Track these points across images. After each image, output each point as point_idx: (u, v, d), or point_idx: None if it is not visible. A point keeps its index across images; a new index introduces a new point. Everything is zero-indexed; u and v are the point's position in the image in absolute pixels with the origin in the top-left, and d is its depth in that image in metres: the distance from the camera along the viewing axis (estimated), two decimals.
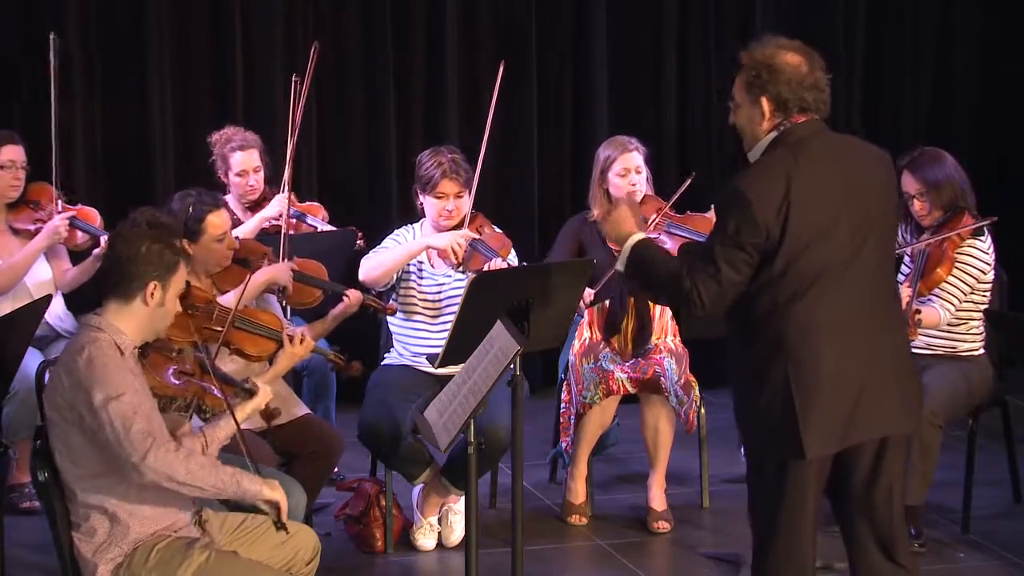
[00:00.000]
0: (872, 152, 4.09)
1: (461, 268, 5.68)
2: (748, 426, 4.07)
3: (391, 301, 5.77)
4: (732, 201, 3.91)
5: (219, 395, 4.30)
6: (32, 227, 6.14)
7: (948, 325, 5.68)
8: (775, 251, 3.88)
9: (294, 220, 6.36)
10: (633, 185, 5.97)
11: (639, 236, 4.14)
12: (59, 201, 6.12)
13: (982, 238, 5.69)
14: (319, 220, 6.51)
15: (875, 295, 3.99)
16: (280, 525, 4.22)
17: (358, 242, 6.37)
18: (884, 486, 4.04)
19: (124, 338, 4.12)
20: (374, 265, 5.69)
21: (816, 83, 3.97)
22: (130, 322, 4.13)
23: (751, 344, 4.00)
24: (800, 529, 4.01)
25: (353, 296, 5.49)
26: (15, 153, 6.10)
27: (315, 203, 6.70)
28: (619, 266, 4.18)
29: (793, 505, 3.99)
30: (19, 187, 6.14)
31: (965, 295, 5.65)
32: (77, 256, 6.26)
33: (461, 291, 5.20)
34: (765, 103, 3.97)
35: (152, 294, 4.12)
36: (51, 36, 6.28)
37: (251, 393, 4.50)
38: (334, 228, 6.51)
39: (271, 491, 4.19)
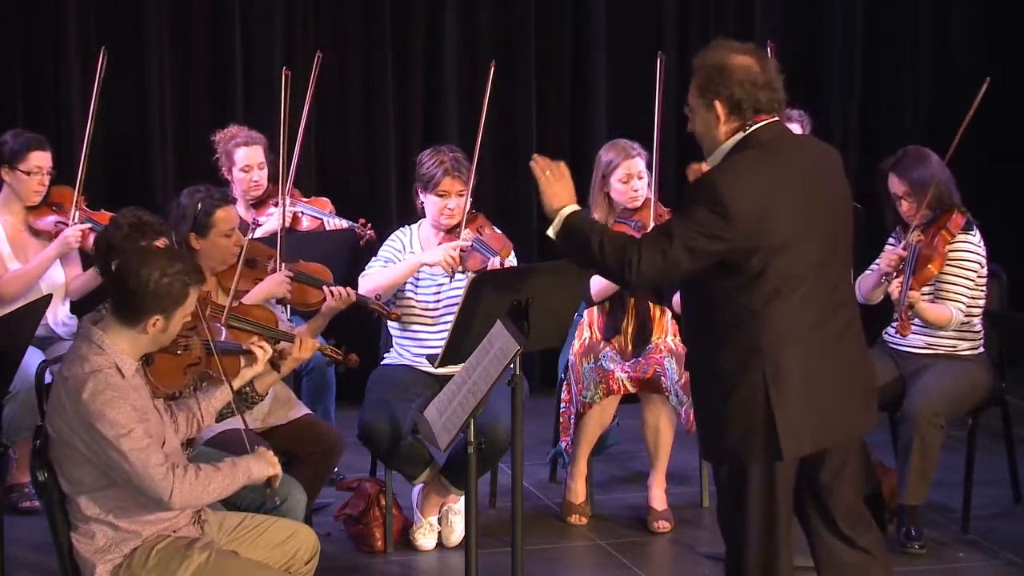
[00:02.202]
0: (830, 153, 4.14)
1: (460, 268, 5.68)
2: (718, 428, 4.04)
3: (392, 308, 5.75)
4: (707, 195, 3.89)
5: (222, 374, 4.38)
6: (52, 229, 6.14)
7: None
8: (751, 254, 3.89)
9: (300, 214, 6.37)
10: (635, 191, 5.96)
11: (574, 208, 4.08)
12: (77, 210, 6.11)
13: (972, 233, 5.70)
14: (325, 212, 6.52)
15: (841, 298, 4.03)
16: (272, 492, 4.29)
17: (367, 232, 6.39)
18: (847, 482, 4.11)
19: (125, 358, 4.10)
20: (372, 287, 5.66)
21: (769, 82, 3.97)
22: (131, 344, 4.11)
23: (724, 347, 3.99)
24: (773, 531, 4.02)
25: (337, 292, 5.46)
26: (42, 159, 6.11)
27: (322, 197, 6.70)
28: (550, 233, 4.10)
29: (767, 507, 4.01)
30: (42, 192, 6.15)
31: (971, 290, 5.66)
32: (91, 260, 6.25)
33: (459, 296, 5.20)
34: (719, 106, 3.98)
35: (154, 325, 4.09)
36: (102, 50, 6.29)
37: (252, 357, 4.53)
38: (341, 220, 6.50)
39: (272, 467, 4.26)
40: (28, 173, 6.09)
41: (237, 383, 4.48)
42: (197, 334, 4.39)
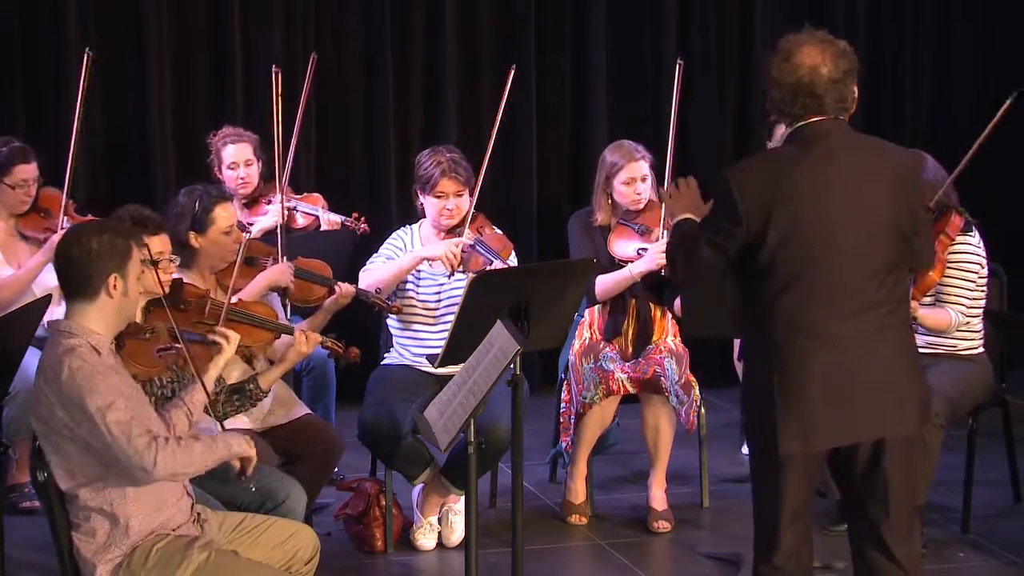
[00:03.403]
0: (894, 157, 4.06)
1: (461, 268, 5.68)
2: (743, 411, 4.12)
3: (393, 302, 5.76)
4: (718, 186, 3.99)
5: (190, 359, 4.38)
6: (41, 236, 6.14)
7: None
8: (761, 242, 3.91)
9: (290, 212, 6.38)
10: (638, 194, 5.94)
11: (682, 216, 4.22)
12: (64, 217, 6.12)
13: (971, 234, 5.69)
14: (318, 208, 6.53)
15: (874, 300, 3.95)
16: (246, 479, 4.27)
17: (361, 226, 6.40)
18: (880, 486, 4.02)
19: (98, 337, 4.10)
20: (372, 281, 5.67)
21: (811, 88, 3.94)
22: (99, 319, 4.12)
23: (748, 336, 4.08)
24: (776, 521, 4.01)
25: (343, 288, 5.48)
26: (27, 172, 6.11)
27: (314, 193, 6.72)
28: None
29: (771, 497, 4.02)
30: (29, 202, 6.16)
31: (972, 292, 5.65)
32: None
33: (460, 294, 5.21)
34: (768, 98, 4.05)
35: (115, 286, 4.10)
36: (86, 51, 6.30)
37: (219, 346, 4.54)
38: (334, 216, 6.51)
39: (249, 447, 4.23)
40: (13, 187, 6.09)
41: (212, 371, 4.49)
42: (163, 321, 4.40)
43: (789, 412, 3.92)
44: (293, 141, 6.57)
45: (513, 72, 5.97)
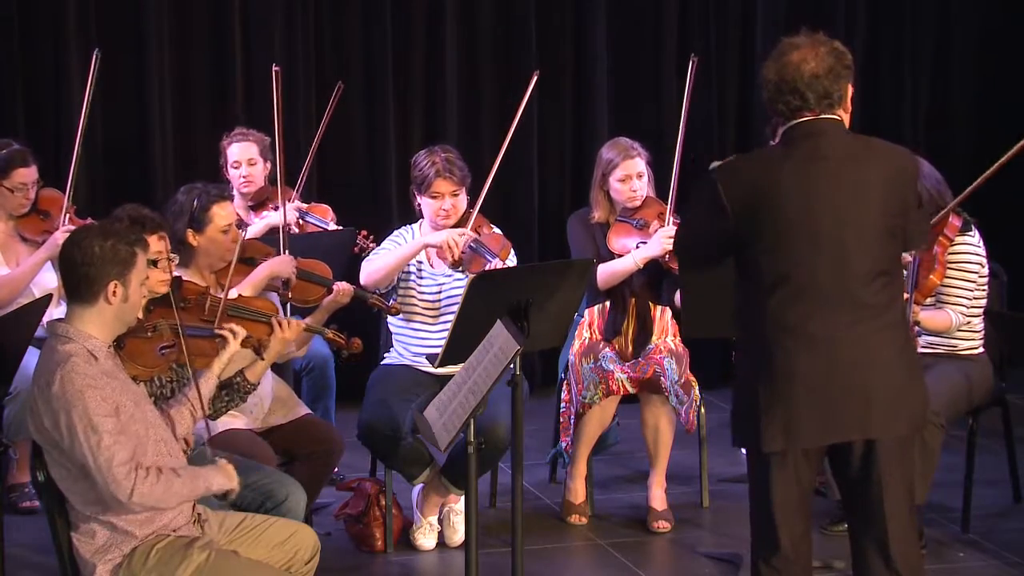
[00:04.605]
0: (888, 157, 4.02)
1: (461, 268, 5.68)
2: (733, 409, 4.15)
3: (393, 301, 5.76)
4: (704, 183, 4.00)
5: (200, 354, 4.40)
6: (39, 238, 6.14)
7: None
8: (746, 241, 3.91)
9: (301, 221, 6.37)
10: (634, 191, 5.95)
11: None
12: (66, 216, 6.12)
13: (971, 233, 5.68)
14: (327, 221, 6.52)
15: (864, 302, 3.93)
16: (228, 502, 4.27)
17: (370, 244, 6.40)
18: (875, 487, 4.00)
19: (95, 341, 4.08)
20: (375, 269, 5.68)
21: (793, 84, 3.93)
22: (97, 324, 4.10)
23: (739, 333, 4.07)
24: (771, 521, 4.01)
25: (342, 288, 5.48)
26: (26, 176, 6.11)
27: (323, 204, 6.71)
28: None
29: (763, 496, 4.02)
30: (28, 205, 6.17)
31: (972, 292, 5.65)
32: None
33: (461, 291, 5.22)
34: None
35: (114, 293, 4.08)
36: (95, 52, 6.31)
37: (226, 340, 4.54)
38: (339, 227, 6.52)
39: (230, 481, 4.21)
40: (12, 190, 6.10)
41: (216, 367, 4.49)
42: (164, 318, 4.39)
43: (773, 410, 3.92)
44: (311, 153, 6.56)
45: (536, 77, 5.96)
